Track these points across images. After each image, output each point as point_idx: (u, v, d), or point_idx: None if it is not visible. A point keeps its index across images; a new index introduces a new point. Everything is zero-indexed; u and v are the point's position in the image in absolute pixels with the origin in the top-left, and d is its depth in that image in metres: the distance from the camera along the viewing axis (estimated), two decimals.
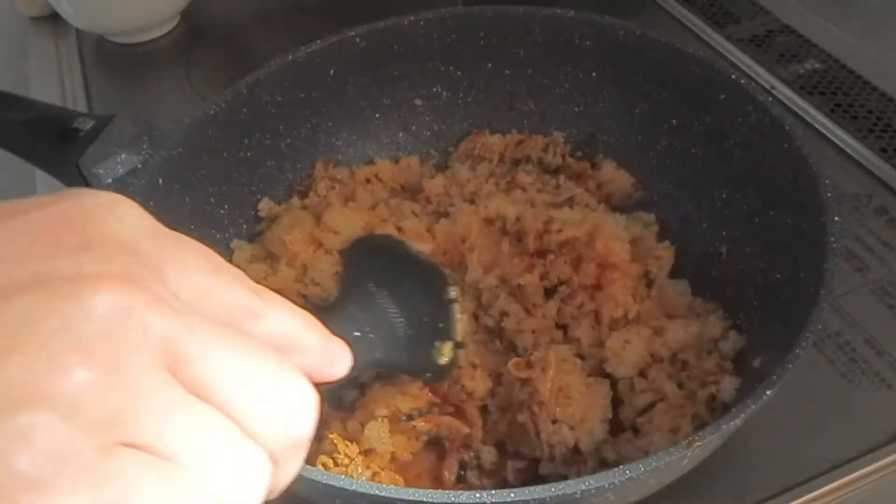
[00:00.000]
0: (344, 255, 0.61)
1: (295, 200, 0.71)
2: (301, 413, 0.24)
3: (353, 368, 0.30)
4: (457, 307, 0.55)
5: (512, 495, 0.38)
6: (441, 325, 0.54)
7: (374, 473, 0.54)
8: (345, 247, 0.65)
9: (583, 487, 0.38)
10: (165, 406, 0.21)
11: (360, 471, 0.53)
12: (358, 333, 0.46)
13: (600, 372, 0.59)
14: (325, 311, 0.36)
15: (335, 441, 0.54)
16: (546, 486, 0.38)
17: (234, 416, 0.22)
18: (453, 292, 0.55)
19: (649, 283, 0.63)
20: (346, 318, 0.47)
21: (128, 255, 0.22)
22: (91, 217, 0.22)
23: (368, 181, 0.73)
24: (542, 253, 0.64)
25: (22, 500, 0.18)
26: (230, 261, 0.66)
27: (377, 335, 0.48)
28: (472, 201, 0.69)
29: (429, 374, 0.54)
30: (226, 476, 0.21)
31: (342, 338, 0.29)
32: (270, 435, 0.23)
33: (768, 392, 0.42)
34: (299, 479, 0.39)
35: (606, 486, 0.39)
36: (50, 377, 0.19)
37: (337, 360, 0.28)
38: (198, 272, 0.24)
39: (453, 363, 0.54)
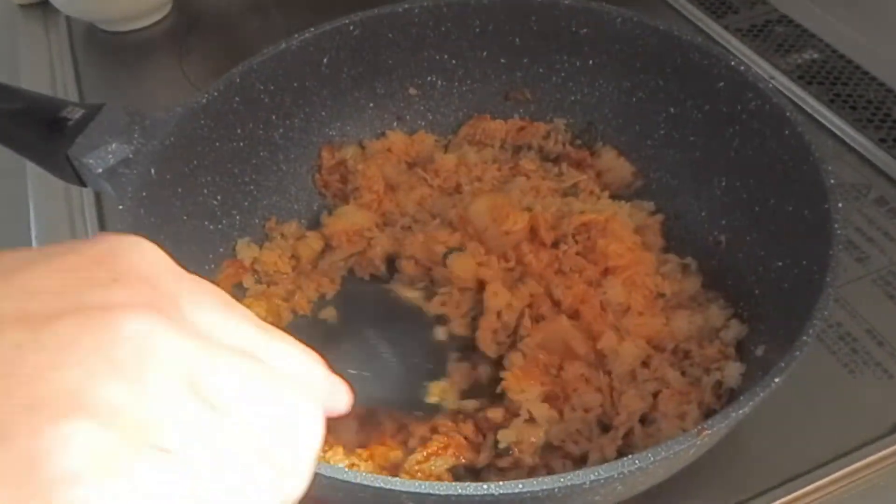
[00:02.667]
0: (338, 298, 0.63)
1: None
2: (305, 433, 0.26)
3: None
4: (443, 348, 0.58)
5: (520, 486, 0.37)
6: (430, 365, 0.57)
7: (352, 465, 0.53)
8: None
9: (591, 478, 0.38)
10: (187, 417, 0.23)
11: (338, 458, 0.53)
12: (353, 371, 0.47)
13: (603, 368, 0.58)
14: (322, 349, 0.39)
15: None
16: (555, 477, 0.37)
17: (246, 430, 0.24)
18: (441, 334, 0.58)
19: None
20: (342, 356, 0.48)
21: (150, 287, 0.25)
22: (119, 254, 0.25)
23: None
24: (555, 243, 0.63)
25: (62, 492, 0.20)
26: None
27: (371, 373, 0.53)
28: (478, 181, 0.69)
29: (419, 413, 0.56)
30: (237, 483, 0.24)
31: (340, 375, 0.30)
32: (276, 451, 0.25)
33: (777, 379, 0.42)
34: None
35: (615, 475, 0.38)
36: (88, 390, 0.22)
37: (338, 395, 0.30)
38: (212, 309, 0.27)
39: (443, 402, 0.56)
